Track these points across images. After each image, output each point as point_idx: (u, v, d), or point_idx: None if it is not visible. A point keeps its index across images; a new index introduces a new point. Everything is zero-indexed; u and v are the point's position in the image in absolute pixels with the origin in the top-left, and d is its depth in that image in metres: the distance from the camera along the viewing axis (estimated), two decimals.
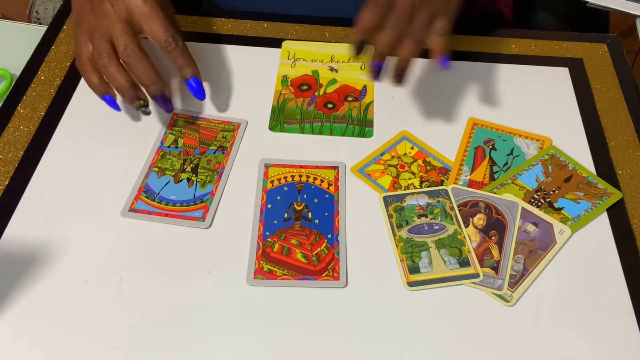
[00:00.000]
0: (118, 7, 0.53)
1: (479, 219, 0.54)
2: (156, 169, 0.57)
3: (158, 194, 0.55)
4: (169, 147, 0.59)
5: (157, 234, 0.53)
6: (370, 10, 0.55)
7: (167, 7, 0.60)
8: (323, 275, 0.50)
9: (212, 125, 0.61)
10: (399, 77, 0.55)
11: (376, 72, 0.55)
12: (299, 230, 0.53)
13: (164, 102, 0.56)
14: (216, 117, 0.62)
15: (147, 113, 0.56)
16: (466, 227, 0.54)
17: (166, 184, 0.56)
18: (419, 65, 0.67)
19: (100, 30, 0.53)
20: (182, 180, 0.56)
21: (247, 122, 0.61)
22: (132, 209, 0.54)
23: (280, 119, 0.62)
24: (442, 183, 0.57)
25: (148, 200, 0.54)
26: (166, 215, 0.53)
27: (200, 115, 0.62)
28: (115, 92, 0.56)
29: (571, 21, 0.85)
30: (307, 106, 0.63)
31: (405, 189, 0.56)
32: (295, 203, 0.55)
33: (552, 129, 0.62)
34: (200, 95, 0.56)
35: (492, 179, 0.58)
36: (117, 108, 0.57)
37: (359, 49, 0.55)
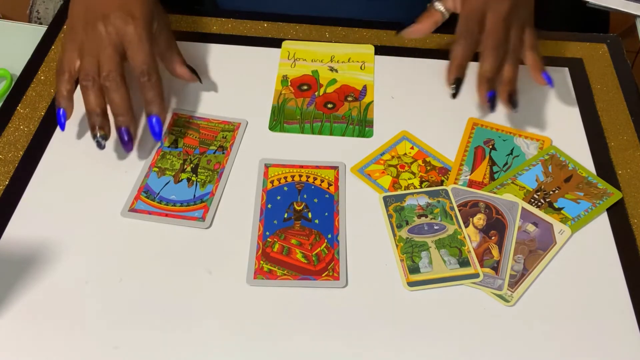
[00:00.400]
0: (110, 32, 0.54)
1: (479, 219, 0.54)
2: (156, 169, 0.57)
3: (158, 194, 0.55)
4: (169, 147, 0.59)
5: (157, 234, 0.53)
6: (463, 45, 0.56)
7: (162, 22, 0.59)
8: (323, 275, 0.50)
9: (212, 125, 0.61)
10: (512, 101, 0.56)
11: (492, 102, 0.56)
12: (299, 230, 0.53)
13: (127, 137, 0.54)
14: (216, 117, 0.62)
15: (101, 146, 0.53)
16: (466, 227, 0.54)
17: (166, 184, 0.56)
18: (418, 65, 0.67)
19: (90, 50, 0.54)
20: (182, 180, 0.56)
21: (247, 122, 0.61)
22: (132, 209, 0.54)
23: (280, 119, 0.62)
24: (442, 183, 0.57)
25: (148, 200, 0.54)
26: (166, 215, 0.53)
27: (200, 115, 0.62)
28: (66, 112, 0.55)
29: (571, 21, 0.85)
30: (307, 106, 0.63)
31: (405, 189, 0.56)
32: (295, 203, 0.55)
33: (552, 129, 0.62)
34: (157, 136, 0.54)
35: (492, 179, 0.58)
36: (62, 126, 0.55)
37: (458, 87, 0.56)
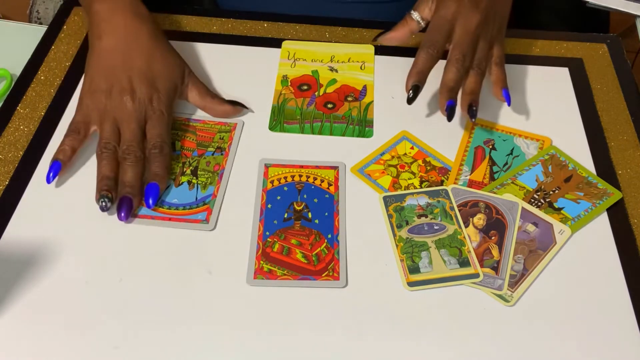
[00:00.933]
0: (135, 106, 0.55)
1: (479, 219, 0.54)
2: None
3: (159, 198, 0.55)
4: None
5: (156, 235, 0.53)
6: (426, 53, 0.56)
7: (188, 76, 0.60)
8: (323, 275, 0.50)
9: (209, 127, 0.61)
10: (473, 111, 0.56)
11: (450, 111, 0.56)
12: (299, 230, 0.53)
13: (128, 207, 0.52)
14: (212, 118, 0.62)
15: (105, 208, 0.52)
16: (466, 227, 0.54)
17: (167, 188, 0.56)
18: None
19: (113, 118, 0.55)
20: (182, 183, 0.56)
21: (243, 123, 0.61)
22: (134, 215, 0.53)
23: (280, 119, 0.62)
24: (442, 183, 0.57)
25: None
26: (169, 219, 0.53)
27: (196, 117, 0.62)
28: (62, 167, 0.54)
29: (571, 21, 0.85)
30: (307, 106, 0.63)
31: (405, 189, 0.56)
32: (295, 203, 0.55)
33: (552, 129, 0.62)
34: (148, 205, 0.53)
35: (492, 179, 0.58)
36: (50, 180, 0.54)
37: (415, 93, 0.56)
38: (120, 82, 0.56)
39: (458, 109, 0.57)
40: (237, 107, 0.61)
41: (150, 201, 0.53)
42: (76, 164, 0.57)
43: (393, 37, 0.63)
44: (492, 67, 0.60)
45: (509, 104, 0.59)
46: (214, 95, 0.61)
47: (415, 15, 0.62)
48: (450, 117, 0.56)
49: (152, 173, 0.54)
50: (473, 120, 0.57)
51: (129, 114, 0.55)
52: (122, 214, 0.52)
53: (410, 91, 0.56)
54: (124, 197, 0.52)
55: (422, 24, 0.62)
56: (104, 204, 0.52)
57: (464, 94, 0.57)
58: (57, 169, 0.54)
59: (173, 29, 0.70)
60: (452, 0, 0.57)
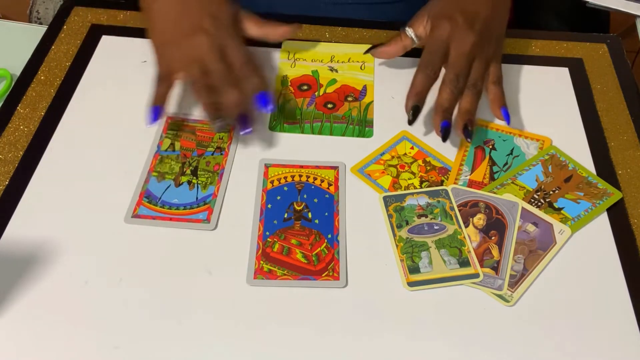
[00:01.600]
0: (213, 40, 0.57)
1: (479, 219, 0.54)
2: (155, 174, 0.57)
3: (160, 198, 0.55)
4: (166, 150, 0.59)
5: (156, 235, 0.53)
6: (423, 75, 0.57)
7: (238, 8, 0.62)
8: (323, 275, 0.50)
9: (208, 127, 0.61)
10: (468, 131, 0.57)
11: (445, 132, 0.57)
12: (299, 230, 0.53)
13: (247, 121, 0.56)
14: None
15: (223, 128, 0.56)
16: (466, 227, 0.54)
17: (167, 188, 0.56)
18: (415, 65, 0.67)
19: (193, 59, 0.57)
20: (182, 183, 0.56)
21: None
22: (135, 215, 0.53)
23: (280, 119, 0.62)
24: (442, 183, 0.57)
25: (150, 205, 0.54)
26: (170, 219, 0.53)
27: (195, 117, 0.62)
28: (161, 111, 0.58)
29: (571, 21, 0.85)
30: (307, 106, 0.63)
31: (405, 189, 0.56)
32: (295, 203, 0.55)
33: (552, 129, 0.62)
34: (272, 110, 0.57)
35: (492, 179, 0.58)
36: (153, 121, 0.57)
37: (415, 114, 0.57)
38: (187, 26, 0.58)
39: (453, 130, 0.58)
40: (294, 25, 0.63)
41: (266, 106, 0.56)
42: (76, 164, 0.57)
43: (386, 52, 0.64)
44: (490, 86, 0.60)
45: (508, 123, 0.60)
46: (269, 21, 0.63)
47: (409, 32, 0.62)
48: (444, 138, 0.57)
49: (252, 86, 0.56)
50: (469, 140, 0.57)
51: (208, 48, 0.57)
52: (248, 129, 0.56)
53: (411, 112, 0.57)
54: (240, 115, 0.56)
55: (416, 41, 0.63)
56: (219, 124, 0.55)
57: (459, 113, 0.58)
58: (157, 111, 0.57)
59: None
60: (447, 20, 0.58)
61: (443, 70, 0.59)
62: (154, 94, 0.58)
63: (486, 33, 0.59)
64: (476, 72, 0.58)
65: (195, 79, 0.57)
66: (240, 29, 0.62)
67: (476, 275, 0.50)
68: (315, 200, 0.55)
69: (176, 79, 0.59)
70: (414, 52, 0.69)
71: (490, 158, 0.59)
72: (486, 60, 0.59)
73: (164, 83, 0.58)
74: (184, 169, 0.57)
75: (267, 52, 0.68)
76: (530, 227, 0.54)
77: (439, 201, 0.55)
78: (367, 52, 0.65)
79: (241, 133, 0.57)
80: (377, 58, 0.65)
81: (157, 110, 0.57)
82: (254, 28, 0.62)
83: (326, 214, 0.54)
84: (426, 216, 0.54)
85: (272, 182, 0.57)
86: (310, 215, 0.54)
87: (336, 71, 0.67)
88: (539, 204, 0.55)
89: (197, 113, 0.62)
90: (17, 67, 0.66)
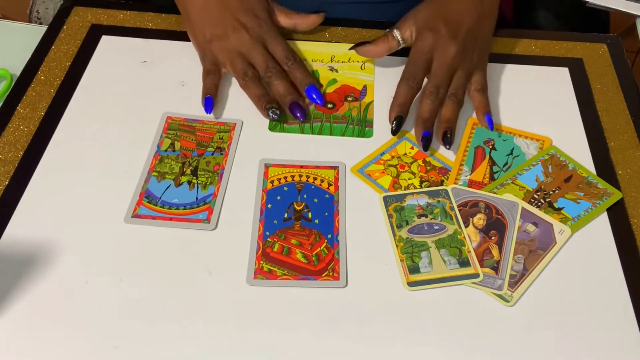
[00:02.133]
0: (252, 35, 0.61)
1: (479, 219, 0.54)
2: (155, 174, 0.57)
3: (160, 198, 0.55)
4: (166, 150, 0.59)
5: (156, 235, 0.53)
6: (406, 86, 0.59)
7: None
8: (323, 275, 0.50)
9: (208, 127, 0.61)
10: (447, 139, 0.58)
11: (425, 141, 0.57)
12: (299, 230, 0.53)
13: (301, 109, 0.59)
14: (211, 118, 0.62)
15: (276, 116, 0.59)
16: (466, 227, 0.54)
17: (167, 188, 0.56)
18: None
19: (239, 53, 0.61)
20: (182, 183, 0.56)
21: (242, 122, 0.61)
22: (135, 215, 0.53)
23: (280, 119, 0.62)
24: (442, 183, 0.57)
25: (150, 205, 0.54)
26: (170, 219, 0.53)
27: (195, 117, 0.62)
28: (213, 100, 0.61)
29: (571, 21, 0.85)
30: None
31: (405, 189, 0.56)
32: (295, 203, 0.55)
33: (552, 129, 0.62)
34: (319, 100, 0.61)
35: (492, 179, 0.58)
36: (210, 110, 0.60)
37: (398, 124, 0.58)
38: (229, 22, 0.62)
39: (434, 137, 0.59)
40: (320, 14, 0.67)
41: (316, 98, 0.60)
42: (76, 164, 0.57)
43: (371, 51, 0.65)
44: (474, 94, 0.61)
45: (491, 129, 0.60)
46: (297, 12, 0.67)
47: (396, 33, 0.63)
48: (425, 147, 0.57)
49: (300, 80, 0.61)
50: (448, 147, 0.58)
51: (251, 43, 0.61)
52: (300, 116, 0.59)
53: (394, 122, 0.58)
54: (292, 103, 0.59)
55: (402, 44, 0.63)
56: (273, 114, 0.59)
57: (439, 122, 0.59)
58: (211, 101, 0.60)
59: (176, 29, 0.70)
60: (430, 31, 0.60)
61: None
62: (205, 86, 0.61)
63: (470, 42, 0.60)
64: (457, 81, 0.59)
65: (242, 72, 0.60)
66: (276, 22, 0.66)
67: (476, 275, 0.50)
68: (315, 200, 0.55)
69: (222, 72, 0.63)
70: None
71: (490, 158, 0.59)
72: (469, 69, 0.60)
73: (212, 75, 0.61)
74: (184, 169, 0.57)
75: None
76: (530, 227, 0.54)
77: (439, 201, 0.55)
78: (352, 48, 0.65)
79: (299, 119, 0.60)
80: (361, 55, 0.65)
81: (209, 100, 0.60)
82: (284, 19, 0.66)
83: (326, 214, 0.54)
84: (426, 216, 0.54)
85: (272, 182, 0.57)
86: (310, 215, 0.54)
87: (336, 71, 0.67)
88: (539, 204, 0.55)
89: (197, 113, 0.62)
90: (17, 67, 0.66)
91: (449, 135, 0.57)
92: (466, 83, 0.60)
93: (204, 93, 0.61)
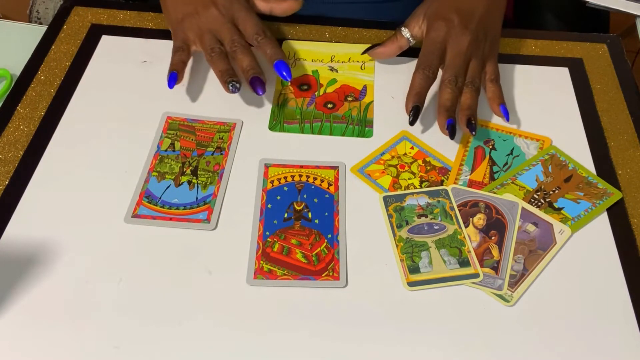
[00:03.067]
0: (222, 12, 0.61)
1: (479, 219, 0.54)
2: (155, 174, 0.57)
3: (160, 198, 0.55)
4: (166, 150, 0.59)
5: (156, 235, 0.53)
6: (422, 76, 0.59)
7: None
8: (323, 275, 0.50)
9: (208, 127, 0.61)
10: (472, 125, 0.57)
11: (451, 130, 0.57)
12: (299, 230, 0.53)
13: (261, 84, 0.58)
14: (211, 118, 0.62)
15: (236, 89, 0.58)
16: (466, 227, 0.54)
17: (167, 188, 0.56)
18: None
19: (208, 29, 0.61)
20: (182, 183, 0.56)
21: (242, 122, 0.61)
22: (135, 215, 0.53)
23: (280, 119, 0.62)
24: (442, 183, 0.57)
25: (150, 205, 0.54)
26: (170, 219, 0.53)
27: (195, 117, 0.62)
28: (178, 75, 0.60)
29: (571, 21, 0.85)
30: (307, 106, 0.63)
31: (405, 189, 0.56)
32: (295, 203, 0.55)
33: (552, 129, 0.62)
34: (288, 77, 0.59)
35: (492, 179, 0.58)
36: (171, 85, 0.60)
37: (415, 114, 0.58)
38: (200, 0, 0.62)
39: (458, 126, 0.58)
40: (298, 1, 0.65)
41: (285, 74, 0.59)
42: (76, 164, 0.57)
43: (382, 53, 0.65)
44: (487, 84, 0.61)
45: (507, 119, 0.60)
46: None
47: (405, 32, 0.63)
48: (452, 135, 0.57)
49: (269, 55, 0.60)
50: (473, 133, 0.57)
51: (220, 20, 0.61)
52: (260, 91, 0.58)
53: (411, 112, 0.58)
54: (252, 77, 0.58)
55: (412, 41, 0.64)
56: (233, 87, 0.58)
57: (461, 110, 0.58)
58: (175, 77, 0.60)
59: None
60: (442, 21, 0.60)
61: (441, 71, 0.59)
62: (172, 62, 0.60)
63: (481, 32, 0.60)
64: (473, 69, 0.59)
65: (209, 48, 0.60)
66: (253, 5, 0.65)
67: (476, 275, 0.50)
68: (315, 200, 0.55)
69: (192, 49, 0.62)
70: (414, 52, 0.69)
71: (490, 158, 0.59)
72: (482, 58, 0.60)
73: (180, 52, 0.61)
74: (184, 169, 0.57)
75: None
76: (530, 227, 0.54)
77: (439, 201, 0.55)
78: (364, 53, 0.66)
79: (258, 94, 0.59)
80: (373, 58, 0.66)
81: (174, 75, 0.60)
82: (260, 2, 0.65)
83: (326, 214, 0.54)
84: (426, 216, 0.54)
85: (272, 182, 0.57)
86: (310, 215, 0.54)
87: (336, 71, 0.67)
88: (539, 204, 0.55)
89: (197, 113, 0.62)
90: (17, 67, 0.66)
91: (473, 122, 0.57)
92: (481, 71, 0.60)
93: (170, 69, 0.60)
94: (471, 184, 0.57)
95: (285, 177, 0.57)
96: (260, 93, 0.58)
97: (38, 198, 0.55)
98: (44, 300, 0.48)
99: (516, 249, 0.52)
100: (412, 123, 0.58)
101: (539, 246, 0.52)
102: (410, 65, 0.67)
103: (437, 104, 0.58)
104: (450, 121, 0.57)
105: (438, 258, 0.51)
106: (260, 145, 0.60)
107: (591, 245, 0.53)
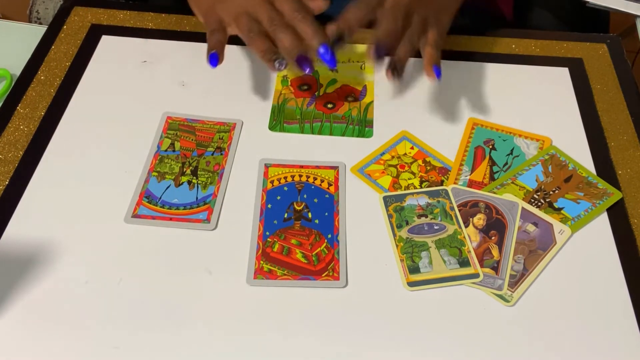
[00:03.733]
0: None
1: (479, 219, 0.54)
2: (155, 174, 0.57)
3: (160, 198, 0.55)
4: (166, 150, 0.59)
5: (156, 235, 0.53)
6: (357, 8, 0.56)
7: None
8: (323, 275, 0.50)
9: (208, 127, 0.61)
10: (395, 71, 0.55)
11: (379, 53, 0.54)
12: (299, 230, 0.53)
13: (308, 62, 0.55)
14: (211, 118, 0.62)
15: (282, 66, 0.55)
16: (466, 227, 0.54)
17: (167, 188, 0.56)
18: (418, 65, 0.67)
19: (244, 11, 0.57)
20: (182, 183, 0.56)
21: (242, 122, 0.61)
22: (135, 215, 0.53)
23: (280, 119, 0.62)
24: (442, 183, 0.57)
25: (150, 205, 0.54)
26: (170, 219, 0.53)
27: (195, 117, 0.62)
28: (219, 56, 0.57)
29: (571, 21, 0.85)
30: (307, 106, 0.63)
31: (405, 189, 0.56)
32: (295, 203, 0.55)
33: (552, 129, 0.62)
34: (331, 63, 0.56)
35: (492, 179, 0.58)
36: (215, 65, 0.57)
37: (339, 39, 0.56)
38: None
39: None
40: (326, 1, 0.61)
41: (330, 61, 0.55)
42: (76, 164, 0.57)
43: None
44: (426, 48, 0.58)
45: (438, 77, 0.57)
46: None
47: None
48: (376, 59, 0.55)
49: (310, 36, 0.56)
50: (395, 82, 0.55)
51: (257, 0, 0.57)
52: (307, 69, 0.55)
53: (335, 38, 0.56)
54: (298, 57, 0.55)
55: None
56: (279, 64, 0.55)
57: (393, 57, 0.56)
58: (216, 56, 0.57)
59: (177, 29, 0.70)
60: None
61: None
62: (210, 44, 0.57)
63: None
64: (415, 26, 0.57)
65: (246, 29, 0.57)
66: None
67: (476, 275, 0.50)
68: (315, 200, 0.55)
69: (228, 32, 0.59)
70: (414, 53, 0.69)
71: (490, 158, 0.59)
72: (424, 18, 0.57)
73: (217, 33, 0.58)
74: (184, 169, 0.57)
75: None
76: (530, 227, 0.54)
77: (439, 201, 0.55)
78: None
79: (305, 72, 0.55)
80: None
81: (214, 55, 0.57)
82: None
83: (326, 214, 0.54)
84: (426, 216, 0.54)
85: (272, 182, 0.57)
86: (310, 215, 0.54)
87: (336, 71, 0.67)
88: (539, 204, 0.55)
89: (197, 113, 0.62)
90: (17, 67, 0.66)
91: (397, 71, 0.55)
92: (421, 31, 0.57)
93: (209, 50, 0.57)
94: (471, 184, 0.57)
95: (285, 177, 0.57)
96: (309, 72, 0.55)
97: (38, 198, 0.55)
98: (44, 300, 0.48)
99: (516, 249, 0.52)
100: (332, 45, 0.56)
101: (539, 246, 0.52)
102: (411, 65, 0.67)
103: (374, 36, 0.55)
104: (379, 53, 0.54)
105: (438, 258, 0.51)
106: (260, 145, 0.60)
107: (591, 246, 0.53)
